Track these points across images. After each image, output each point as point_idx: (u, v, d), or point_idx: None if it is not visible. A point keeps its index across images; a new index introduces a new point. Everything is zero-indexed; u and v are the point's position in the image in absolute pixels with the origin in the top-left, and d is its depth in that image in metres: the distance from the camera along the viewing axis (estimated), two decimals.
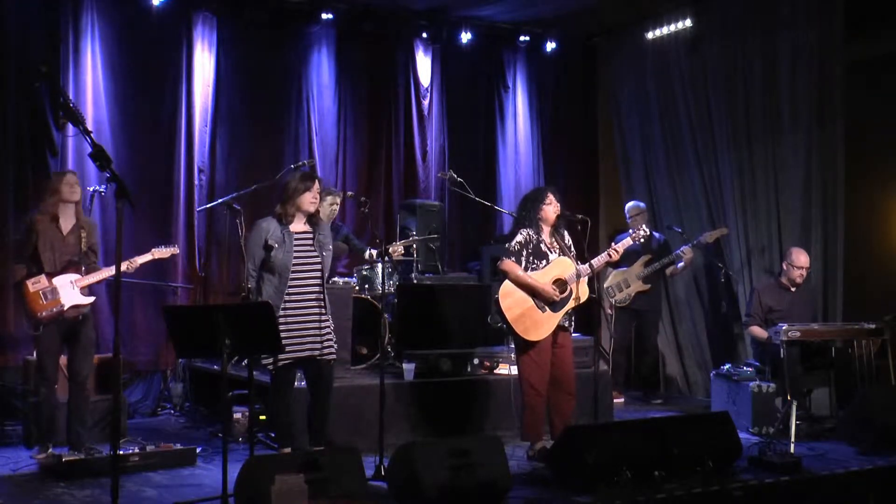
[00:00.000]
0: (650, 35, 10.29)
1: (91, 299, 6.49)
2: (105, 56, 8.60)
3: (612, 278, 9.24)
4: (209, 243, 9.00)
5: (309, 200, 6.10)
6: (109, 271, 6.46)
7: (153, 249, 6.69)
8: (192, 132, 8.97)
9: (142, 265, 6.68)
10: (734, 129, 9.37)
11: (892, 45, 9.25)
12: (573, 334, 6.88)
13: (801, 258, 8.16)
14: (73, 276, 6.37)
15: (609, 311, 9.18)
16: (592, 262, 6.65)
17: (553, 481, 5.92)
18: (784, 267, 8.24)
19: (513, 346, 6.90)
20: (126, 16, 8.73)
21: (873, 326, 7.56)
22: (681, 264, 9.10)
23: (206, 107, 9.06)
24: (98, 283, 6.64)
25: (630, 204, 9.45)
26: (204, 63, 9.06)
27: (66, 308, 6.32)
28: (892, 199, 9.72)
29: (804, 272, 8.12)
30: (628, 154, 10.73)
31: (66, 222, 6.45)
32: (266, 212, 6.31)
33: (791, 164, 9.01)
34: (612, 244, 6.87)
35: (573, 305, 6.61)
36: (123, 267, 6.36)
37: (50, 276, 6.32)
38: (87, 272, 6.46)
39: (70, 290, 6.35)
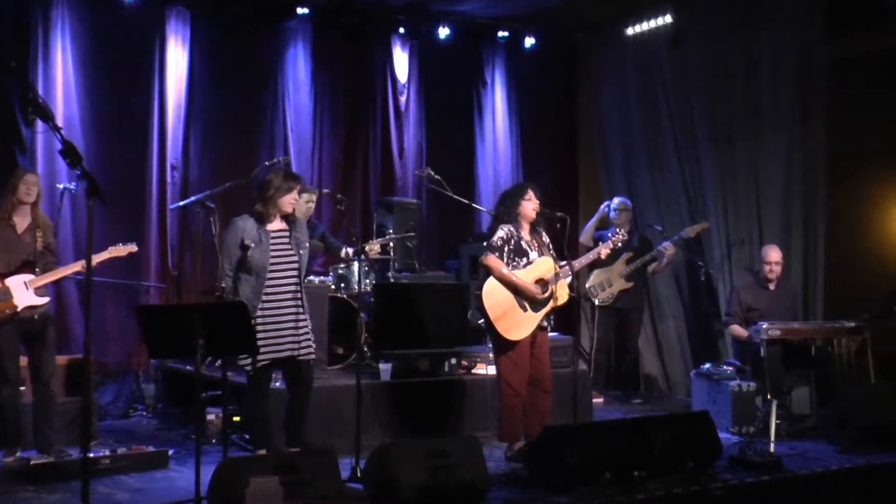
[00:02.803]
0: (630, 31, 10.32)
1: (46, 300, 6.41)
2: (76, 51, 8.54)
3: (593, 278, 9.26)
4: (182, 242, 8.96)
5: (289, 201, 6.08)
6: (65, 271, 6.42)
7: (110, 247, 6.62)
8: (165, 129, 8.92)
9: (103, 263, 6.60)
10: (715, 126, 9.41)
11: (874, 43, 9.32)
12: (551, 333, 6.90)
13: (770, 254, 8.24)
14: (27, 277, 6.29)
15: (589, 310, 9.21)
16: (573, 262, 6.67)
17: (532, 482, 5.93)
18: (760, 265, 8.33)
19: (491, 345, 6.91)
20: (97, 10, 8.67)
21: (853, 325, 7.63)
22: (664, 260, 9.14)
23: (180, 103, 9.01)
24: (55, 282, 6.57)
25: (617, 199, 9.44)
26: (177, 58, 9.01)
27: (19, 309, 6.24)
28: (872, 197, 9.79)
29: (773, 267, 8.18)
30: (608, 151, 10.76)
31: (22, 222, 6.37)
32: (241, 210, 6.28)
33: (772, 162, 9.06)
34: (600, 242, 6.89)
35: (553, 306, 6.62)
36: (78, 267, 6.33)
37: (3, 276, 6.25)
38: (44, 272, 6.38)
39: (23, 291, 6.26)
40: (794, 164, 8.98)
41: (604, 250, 6.86)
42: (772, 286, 8.24)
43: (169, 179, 8.92)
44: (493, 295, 6.55)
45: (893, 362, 8.17)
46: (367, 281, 8.27)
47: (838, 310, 8.41)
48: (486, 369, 7.68)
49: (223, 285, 6.16)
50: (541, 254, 6.67)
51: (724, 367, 8.18)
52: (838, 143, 9.11)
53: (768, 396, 7.26)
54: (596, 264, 8.90)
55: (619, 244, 7.12)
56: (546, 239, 6.82)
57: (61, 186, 7.82)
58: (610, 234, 7.12)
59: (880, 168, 9.69)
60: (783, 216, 9.00)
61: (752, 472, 6.17)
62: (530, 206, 6.66)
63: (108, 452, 6.23)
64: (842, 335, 7.65)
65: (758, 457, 6.35)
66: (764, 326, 7.43)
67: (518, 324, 6.53)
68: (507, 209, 6.73)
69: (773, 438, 6.83)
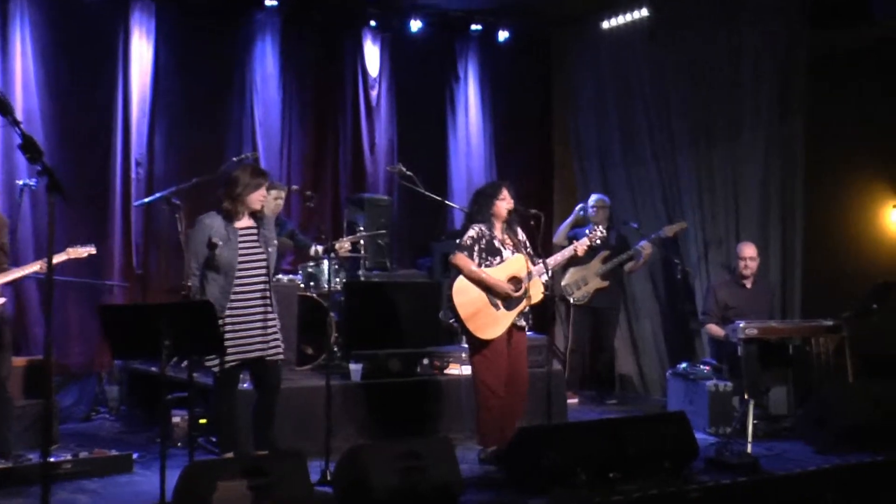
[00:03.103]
0: (606, 25, 10.33)
1: (1, 300, 6.36)
2: (36, 42, 8.45)
3: (569, 276, 9.28)
4: (147, 239, 8.90)
5: (258, 198, 6.06)
6: (22, 271, 6.38)
7: (68, 248, 6.58)
8: (129, 123, 8.85)
9: (63, 263, 6.56)
10: (692, 123, 9.45)
11: (855, 41, 9.41)
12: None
13: (744, 249, 8.31)
14: None
15: (564, 309, 9.23)
16: (548, 260, 6.68)
17: (506, 484, 5.95)
18: (735, 261, 8.38)
19: (465, 345, 6.91)
20: (58, 0, 8.60)
21: (831, 323, 7.67)
22: (640, 260, 9.17)
23: (144, 97, 8.94)
24: (10, 283, 6.51)
25: (595, 196, 9.46)
26: (142, 51, 8.95)
27: None
28: (851, 195, 9.91)
29: (747, 262, 8.23)
30: (583, 147, 10.78)
31: None
32: (208, 207, 6.25)
33: (750, 159, 9.11)
34: (574, 241, 6.90)
35: (527, 304, 6.63)
36: (35, 268, 6.29)
37: None
38: None
39: None
40: (772, 161, 9.04)
41: (580, 246, 6.88)
42: (748, 284, 8.30)
43: (133, 175, 8.85)
44: (464, 293, 6.56)
45: (871, 361, 8.25)
46: (337, 279, 8.25)
47: (816, 308, 8.46)
48: (460, 369, 7.70)
49: (189, 284, 6.13)
50: (515, 252, 6.67)
51: (701, 366, 8.22)
52: (817, 140, 9.19)
53: (745, 396, 7.30)
54: (572, 262, 8.93)
55: (597, 241, 7.13)
56: (522, 237, 6.83)
57: (21, 183, 7.75)
58: (587, 231, 7.13)
59: (859, 165, 9.80)
60: (761, 213, 9.06)
61: (729, 473, 6.20)
62: (504, 205, 6.67)
63: (69, 457, 6.18)
64: (820, 334, 7.69)
65: (735, 458, 6.39)
66: (741, 325, 7.47)
67: (491, 322, 6.54)
68: (480, 208, 6.75)
69: (750, 439, 6.88)
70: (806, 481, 6.33)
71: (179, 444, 6.88)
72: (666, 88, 9.71)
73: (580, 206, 9.57)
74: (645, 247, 9.10)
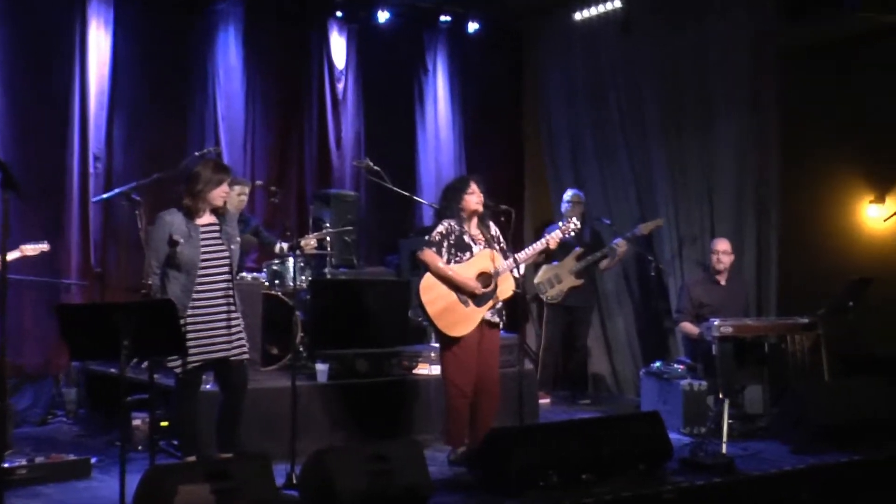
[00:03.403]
0: (578, 16, 10.35)
1: None
2: None
3: (542, 274, 9.30)
4: (105, 237, 8.84)
5: (220, 195, 6.02)
6: None
7: (21, 246, 6.53)
8: (87, 116, 8.79)
9: (17, 261, 6.49)
10: (666, 116, 9.49)
11: (830, 31, 9.48)
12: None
13: (717, 244, 8.36)
14: None
15: (536, 307, 9.25)
16: (518, 255, 6.68)
17: (477, 487, 5.95)
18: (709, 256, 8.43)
19: (435, 344, 6.90)
20: None
21: (807, 321, 7.72)
22: (615, 257, 9.20)
23: (103, 89, 8.88)
24: None
25: (571, 191, 9.49)
26: (100, 41, 8.88)
27: None
28: (827, 190, 9.99)
29: (720, 256, 8.27)
30: (555, 142, 10.80)
31: None
32: (169, 203, 6.20)
33: (724, 153, 9.17)
34: (545, 234, 6.89)
35: (497, 300, 6.63)
36: None
37: None
38: None
39: None
40: (746, 155, 9.10)
41: (552, 239, 6.86)
42: (723, 281, 8.34)
43: (91, 170, 8.79)
44: (431, 291, 6.56)
45: (848, 359, 8.33)
46: (303, 277, 8.23)
47: (792, 305, 8.55)
48: (429, 369, 7.69)
49: (150, 283, 6.08)
50: (488, 248, 6.68)
51: (675, 365, 8.26)
52: (792, 133, 9.25)
53: (720, 395, 7.33)
54: (545, 260, 8.97)
55: (570, 234, 7.10)
56: (495, 231, 6.84)
57: None
58: (561, 224, 7.11)
59: (835, 160, 9.88)
60: (735, 208, 9.12)
61: (704, 473, 6.23)
62: (473, 199, 6.66)
63: (24, 462, 6.12)
64: (796, 332, 7.74)
65: (709, 458, 6.43)
66: (715, 323, 7.50)
67: (460, 320, 6.54)
68: (449, 203, 6.75)
69: (725, 439, 6.91)
70: (782, 481, 6.38)
71: (140, 447, 6.83)
72: (638, 81, 9.74)
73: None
74: (620, 244, 9.12)
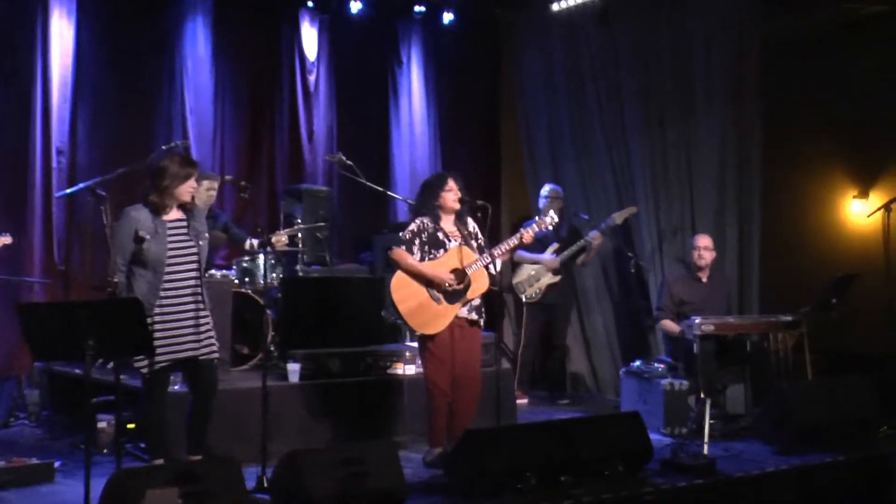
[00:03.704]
0: (556, 7, 10.35)
1: None
2: None
3: (520, 273, 9.30)
4: (70, 233, 8.80)
5: (187, 190, 5.99)
6: None
7: None
8: (50, 109, 8.74)
9: None
10: (645, 108, 9.50)
11: (812, 21, 9.53)
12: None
13: (698, 239, 8.37)
14: None
15: (513, 306, 9.26)
16: (493, 250, 6.69)
17: (453, 489, 5.94)
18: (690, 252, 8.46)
19: (409, 343, 6.91)
20: None
21: (790, 319, 7.75)
22: (591, 251, 9.21)
23: (66, 81, 8.83)
24: None
25: (550, 186, 9.50)
26: (62, 31, 8.83)
27: None
28: (810, 185, 10.04)
29: (701, 252, 8.28)
30: (532, 135, 10.80)
31: None
32: (135, 198, 6.17)
33: (705, 146, 9.20)
34: (521, 229, 6.89)
35: (472, 297, 6.64)
36: None
37: None
38: None
39: None
40: (727, 148, 9.14)
41: (527, 233, 6.85)
42: (704, 278, 8.36)
43: (54, 165, 8.74)
44: (403, 289, 6.59)
45: (831, 358, 8.37)
46: (274, 275, 8.22)
47: (775, 303, 8.58)
48: (403, 369, 7.68)
49: (116, 280, 6.05)
50: (465, 244, 6.69)
51: (655, 364, 8.27)
52: (775, 127, 9.30)
53: (701, 395, 7.37)
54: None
55: (547, 229, 7.11)
56: (473, 227, 6.86)
57: None
58: (537, 218, 7.10)
59: (818, 154, 9.94)
60: (717, 203, 9.15)
61: (685, 475, 6.24)
62: (451, 196, 6.69)
63: None
64: (778, 330, 7.77)
65: (691, 459, 6.44)
66: (697, 321, 7.54)
67: (432, 318, 6.56)
68: (425, 200, 6.78)
69: (706, 439, 6.95)
70: (764, 483, 6.40)
71: (105, 450, 6.80)
72: (618, 72, 9.74)
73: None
74: (595, 237, 9.13)
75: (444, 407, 6.62)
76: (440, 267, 6.59)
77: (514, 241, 6.81)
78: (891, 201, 8.48)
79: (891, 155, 9.58)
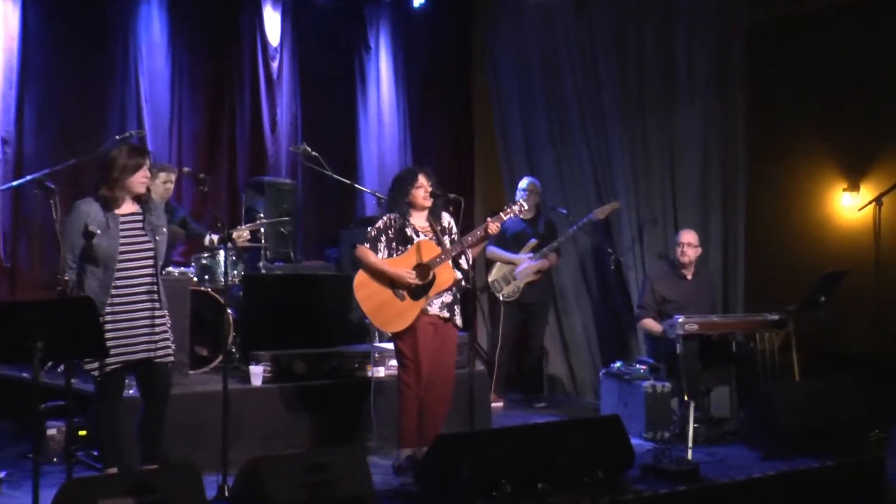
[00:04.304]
0: None
1: None
2: None
3: (496, 271, 9.31)
4: (16, 228, 8.74)
5: (139, 180, 5.95)
6: None
7: None
8: None
9: None
10: (625, 98, 9.52)
11: (798, 9, 9.58)
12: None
13: (682, 235, 8.36)
14: None
15: (487, 304, 9.26)
16: (460, 242, 6.70)
17: (424, 497, 5.95)
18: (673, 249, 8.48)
19: (378, 344, 6.92)
20: None
21: (777, 318, 7.80)
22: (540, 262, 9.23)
23: (11, 65, 8.76)
24: None
25: (528, 180, 9.47)
26: (7, 13, 8.76)
27: None
28: (798, 178, 10.08)
29: (684, 248, 8.26)
30: (507, 126, 10.81)
31: None
32: (87, 191, 6.13)
33: (687, 138, 9.24)
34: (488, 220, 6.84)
35: (437, 291, 6.65)
36: None
37: None
38: None
39: None
40: (711, 139, 9.18)
41: (493, 224, 6.80)
42: (689, 275, 8.38)
43: None
44: (365, 287, 6.67)
45: (819, 358, 8.41)
46: (235, 272, 8.20)
47: (760, 301, 8.62)
48: (372, 371, 7.68)
49: (66, 278, 6.01)
50: (437, 239, 6.70)
51: (637, 365, 8.30)
52: (760, 116, 9.34)
53: (685, 398, 7.41)
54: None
55: (516, 216, 7.05)
56: (447, 223, 6.89)
57: None
58: (505, 207, 7.03)
59: (806, 145, 9.98)
60: (700, 196, 9.19)
61: (668, 481, 6.27)
62: (421, 193, 6.74)
63: None
64: (765, 329, 7.80)
65: (673, 465, 6.46)
66: (680, 320, 7.56)
67: (396, 315, 6.62)
68: (393, 196, 6.84)
69: (690, 444, 6.96)
70: (750, 489, 6.44)
71: (55, 459, 6.75)
72: (596, 60, 9.74)
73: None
74: (551, 257, 9.23)
75: (414, 406, 6.65)
76: (402, 263, 6.63)
77: (479, 232, 6.77)
78: (882, 194, 8.56)
79: (883, 145, 9.62)
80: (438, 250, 6.66)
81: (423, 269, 6.64)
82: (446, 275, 6.69)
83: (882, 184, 9.23)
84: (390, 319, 6.63)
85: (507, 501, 5.69)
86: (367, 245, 6.69)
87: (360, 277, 6.69)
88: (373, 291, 6.63)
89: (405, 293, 6.62)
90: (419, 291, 6.63)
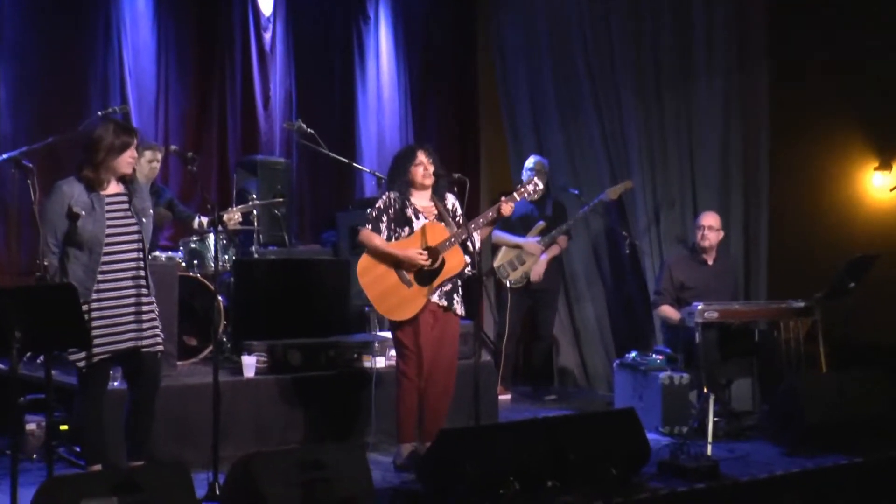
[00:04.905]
0: None
1: None
2: None
3: (502, 255, 9.29)
4: None
5: (126, 161, 5.94)
6: None
7: None
8: None
9: None
10: (640, 73, 9.50)
11: None
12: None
13: (703, 217, 8.32)
14: None
15: (493, 291, 9.25)
16: (469, 224, 6.66)
17: (426, 495, 5.95)
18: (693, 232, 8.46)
19: (379, 333, 6.92)
20: None
21: (802, 305, 7.78)
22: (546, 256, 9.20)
23: None
24: None
25: (534, 158, 9.44)
26: None
27: None
28: (825, 156, 10.02)
29: (705, 232, 8.22)
30: (513, 102, 10.79)
31: None
32: (68, 170, 6.12)
33: (707, 115, 9.23)
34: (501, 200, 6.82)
35: (446, 277, 6.63)
36: None
37: None
38: None
39: None
40: (732, 117, 9.17)
41: (506, 205, 6.80)
42: (710, 261, 8.35)
43: None
44: (369, 272, 6.63)
45: (847, 349, 8.39)
46: (226, 257, 8.20)
47: (784, 288, 8.60)
48: (371, 362, 7.68)
49: (46, 264, 6.00)
50: (442, 220, 6.69)
51: (653, 356, 8.29)
52: (784, 92, 9.30)
53: (704, 390, 7.40)
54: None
55: (530, 194, 7.02)
56: (452, 204, 6.88)
57: None
58: (518, 187, 7.02)
59: (834, 121, 9.91)
60: (720, 178, 9.18)
61: (686, 478, 6.27)
62: (420, 171, 6.71)
63: None
64: (789, 318, 7.79)
65: (692, 461, 6.46)
66: (699, 308, 7.55)
67: (402, 302, 6.60)
68: (393, 175, 6.84)
69: (709, 439, 6.96)
70: (773, 487, 6.43)
71: (35, 456, 6.75)
72: (609, 33, 9.71)
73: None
74: (560, 239, 9.19)
75: (414, 399, 6.66)
76: (411, 244, 6.61)
77: (491, 213, 6.78)
78: None
79: None
80: (446, 233, 6.64)
81: (431, 252, 6.62)
82: (456, 259, 6.66)
83: None
84: (396, 307, 6.59)
85: (514, 500, 5.69)
86: (370, 227, 6.66)
87: (364, 262, 6.65)
88: (377, 277, 6.60)
89: (412, 278, 6.60)
90: (427, 277, 6.61)
